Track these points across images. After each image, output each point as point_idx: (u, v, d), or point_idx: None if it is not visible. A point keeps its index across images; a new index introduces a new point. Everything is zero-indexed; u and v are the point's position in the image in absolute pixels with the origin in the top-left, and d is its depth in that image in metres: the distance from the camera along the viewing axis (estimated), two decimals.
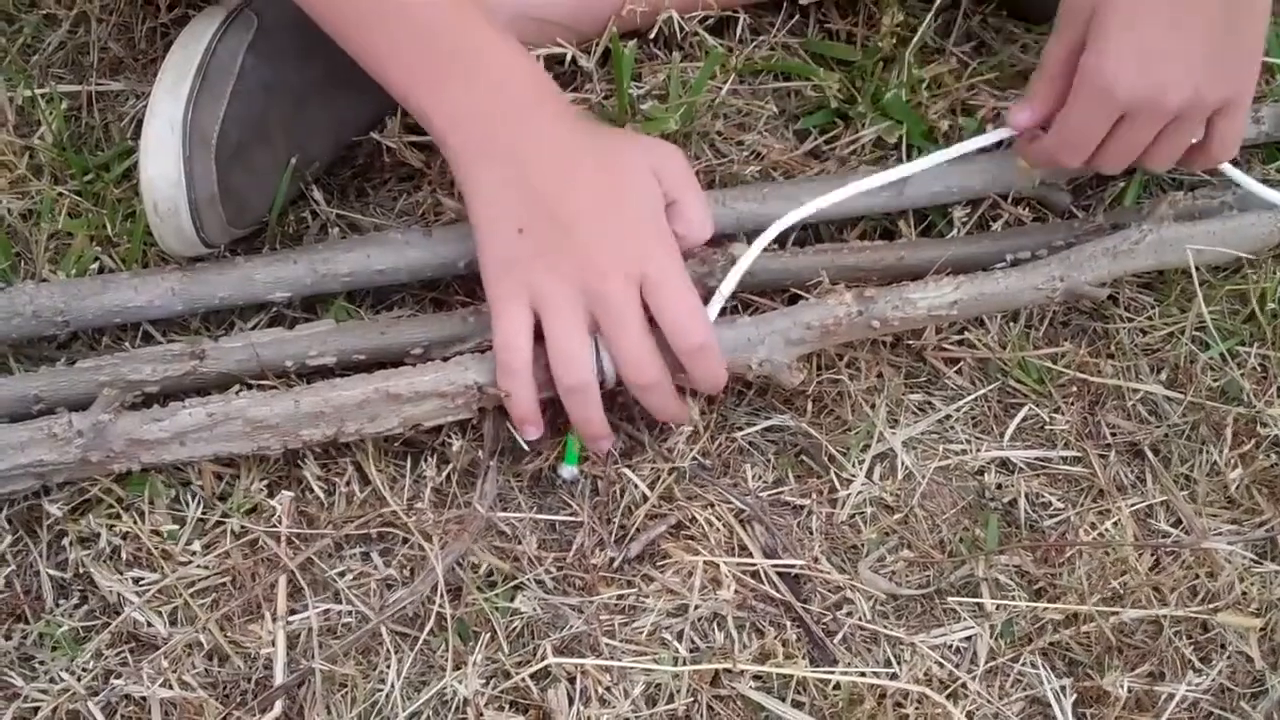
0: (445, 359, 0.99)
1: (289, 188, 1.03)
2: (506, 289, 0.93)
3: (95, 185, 1.09)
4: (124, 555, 0.95)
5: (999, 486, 1.02)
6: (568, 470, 0.99)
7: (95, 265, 1.05)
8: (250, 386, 1.00)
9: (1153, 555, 0.99)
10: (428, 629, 0.94)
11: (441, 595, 0.94)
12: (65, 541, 0.96)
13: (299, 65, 1.03)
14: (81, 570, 0.95)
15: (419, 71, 0.92)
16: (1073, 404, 1.05)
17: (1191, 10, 0.92)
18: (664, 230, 0.94)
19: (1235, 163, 1.06)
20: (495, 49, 0.93)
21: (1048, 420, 1.05)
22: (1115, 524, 1.00)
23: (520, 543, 0.98)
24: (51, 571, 0.95)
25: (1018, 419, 1.05)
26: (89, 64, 1.17)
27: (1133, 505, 1.01)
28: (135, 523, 0.96)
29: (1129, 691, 0.94)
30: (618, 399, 1.01)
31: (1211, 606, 0.97)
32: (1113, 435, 1.04)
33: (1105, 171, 1.02)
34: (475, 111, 0.92)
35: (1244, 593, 0.98)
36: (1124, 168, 1.01)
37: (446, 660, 0.93)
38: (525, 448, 0.99)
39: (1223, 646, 0.97)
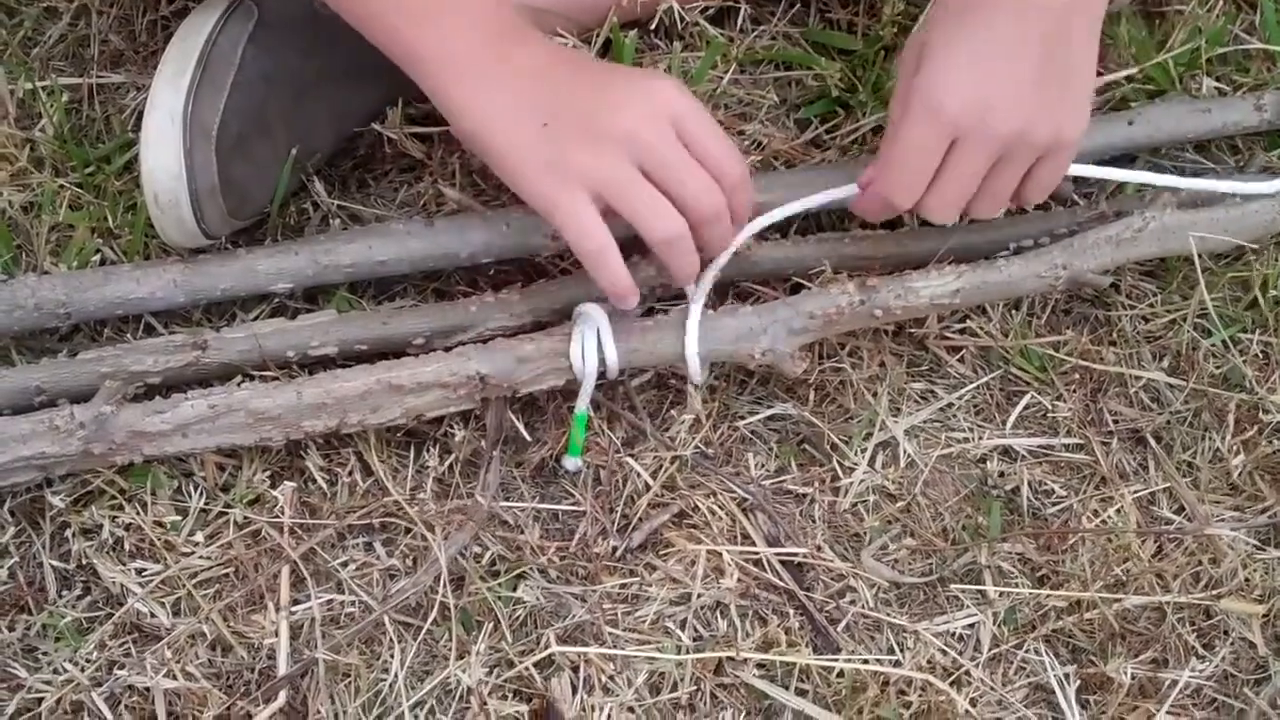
0: (448, 349, 0.99)
1: (290, 179, 1.03)
2: (557, 187, 0.90)
3: (96, 177, 1.09)
4: (127, 546, 0.95)
5: (1001, 474, 1.02)
6: (571, 462, 0.99)
7: (97, 257, 1.05)
8: (252, 377, 1.00)
9: (1155, 542, 0.99)
10: (431, 618, 0.94)
11: (444, 585, 0.94)
12: (68, 533, 0.96)
13: (299, 56, 1.03)
14: (84, 561, 0.95)
15: (402, 31, 0.91)
16: (1075, 391, 1.05)
17: (1021, 46, 0.89)
18: (664, 74, 0.95)
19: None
20: None
21: (1050, 408, 1.05)
22: (1118, 511, 1.00)
23: (523, 532, 0.98)
24: (54, 563, 0.95)
25: (1020, 407, 1.05)
26: (90, 56, 1.17)
27: (1135, 492, 1.01)
28: (138, 514, 0.96)
29: (1132, 678, 0.94)
30: (619, 388, 1.02)
31: (1214, 593, 0.97)
32: (1115, 422, 1.04)
33: (933, 217, 0.96)
34: (463, 47, 0.91)
35: (1247, 579, 0.98)
36: (951, 213, 0.96)
37: (450, 650, 0.93)
38: (524, 437, 0.99)
39: (1226, 633, 0.97)
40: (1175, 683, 0.94)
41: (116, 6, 1.19)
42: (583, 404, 0.98)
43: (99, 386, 0.96)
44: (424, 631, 0.94)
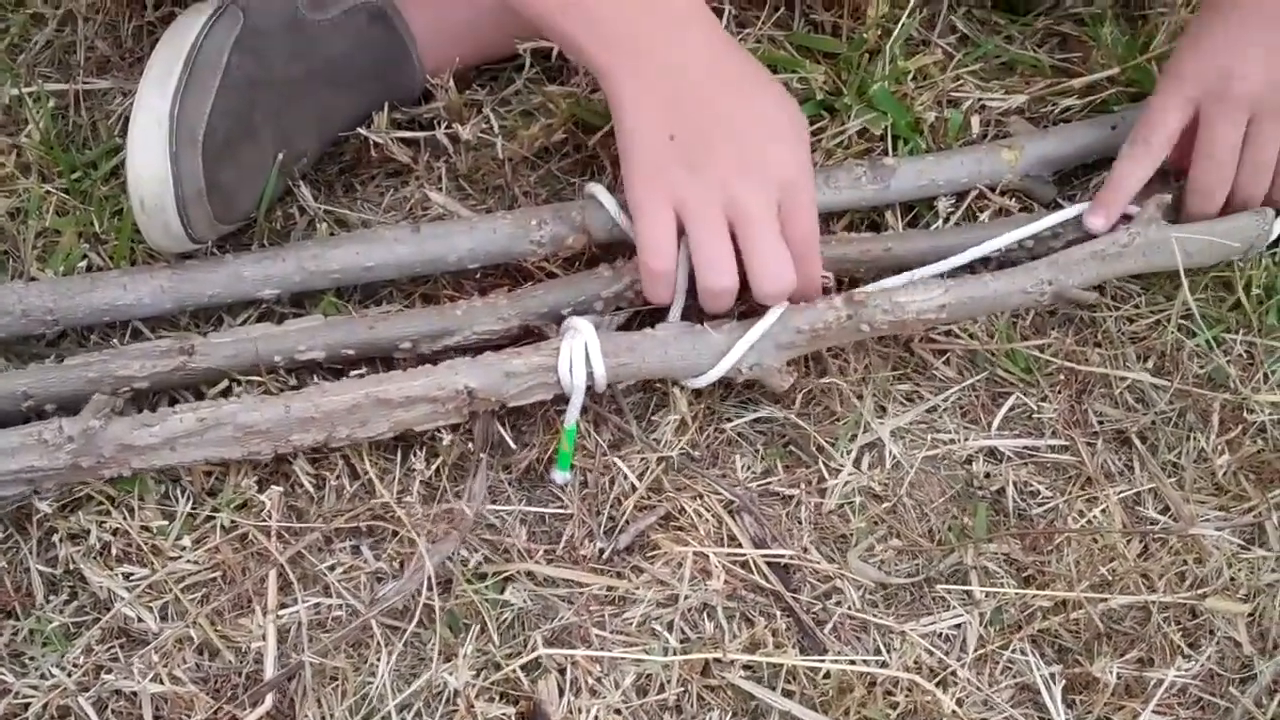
0: (435, 359, 0.99)
1: (277, 183, 1.03)
2: (654, 194, 0.94)
3: (83, 183, 1.09)
4: (114, 551, 0.95)
5: (987, 475, 1.02)
6: (560, 475, 0.99)
7: (84, 263, 1.05)
8: (239, 383, 1.00)
9: (1141, 542, 0.99)
10: (417, 621, 0.94)
11: (431, 588, 0.94)
12: (55, 538, 0.96)
13: (285, 60, 1.03)
14: (72, 566, 0.95)
15: None
16: (1060, 393, 1.06)
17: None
18: (804, 145, 0.97)
19: None
20: None
21: (1035, 409, 1.05)
22: (1103, 511, 1.00)
23: (510, 535, 0.98)
24: (41, 568, 0.95)
25: (1005, 408, 1.05)
26: (76, 63, 1.17)
27: (1120, 493, 1.01)
28: (125, 519, 0.96)
29: (1118, 677, 0.94)
30: (605, 394, 1.02)
31: (1200, 592, 0.97)
32: (1100, 423, 1.04)
33: (1249, 198, 1.06)
34: (628, 31, 0.93)
35: (1232, 578, 0.98)
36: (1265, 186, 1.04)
37: (436, 653, 0.93)
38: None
39: (1211, 632, 0.97)
40: (1161, 682, 0.94)
41: (102, 13, 1.19)
42: (572, 418, 0.98)
43: (86, 392, 0.96)
44: (410, 635, 0.94)
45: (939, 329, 1.07)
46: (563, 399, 0.98)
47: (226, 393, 1.00)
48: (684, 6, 0.94)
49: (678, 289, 0.98)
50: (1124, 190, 1.04)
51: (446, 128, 1.11)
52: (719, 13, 1.14)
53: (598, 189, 1.01)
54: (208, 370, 0.99)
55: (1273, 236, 1.07)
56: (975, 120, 1.15)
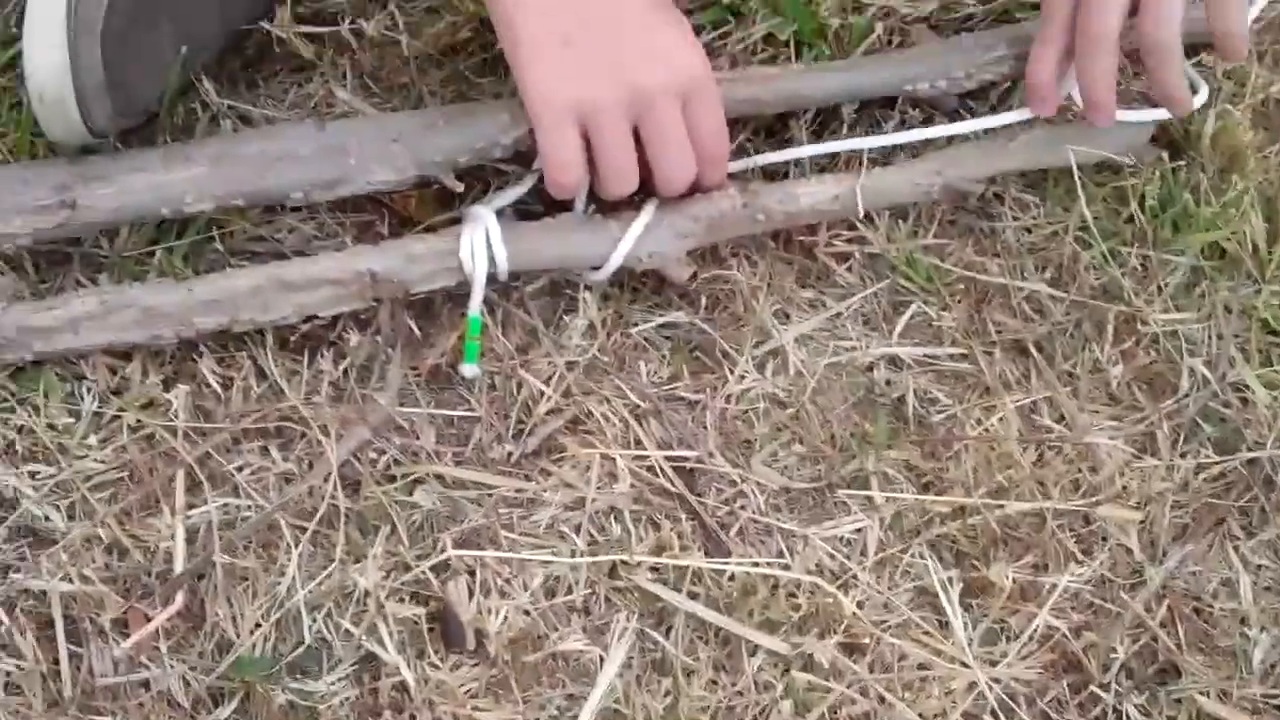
0: (330, 210, 1.02)
1: (179, 77, 1.02)
2: (555, 107, 0.93)
3: None
4: (19, 449, 0.95)
5: (888, 383, 1.04)
6: (469, 369, 1.00)
7: None
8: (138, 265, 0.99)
9: (1037, 450, 1.02)
10: (322, 518, 0.94)
11: (336, 486, 0.94)
12: None
13: None
14: None
15: None
16: (960, 302, 1.07)
17: None
18: (699, 43, 0.97)
19: None
20: None
21: (935, 318, 1.07)
22: (1000, 420, 1.03)
23: (419, 438, 0.98)
24: None
25: (906, 316, 1.07)
26: None
27: (1017, 401, 1.04)
28: (30, 416, 0.95)
29: (1013, 582, 0.96)
30: (512, 294, 1.02)
31: (1093, 500, 1.00)
32: (998, 333, 1.06)
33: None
34: None
35: (1124, 487, 1.01)
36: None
37: (344, 553, 0.94)
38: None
39: (1104, 539, 1.00)
40: (1055, 587, 0.97)
41: None
42: (475, 305, 0.98)
43: None
44: (319, 535, 0.94)
45: (842, 234, 1.08)
46: (466, 296, 0.99)
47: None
48: None
49: (580, 188, 0.99)
50: (1042, 77, 1.04)
51: (350, 23, 1.09)
52: None
53: (481, 212, 1.00)
54: (92, 224, 0.98)
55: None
56: (880, 26, 1.15)
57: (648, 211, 1.01)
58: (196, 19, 1.03)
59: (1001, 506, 0.99)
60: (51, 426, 0.95)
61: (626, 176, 0.96)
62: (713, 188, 1.01)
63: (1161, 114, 1.07)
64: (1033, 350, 1.06)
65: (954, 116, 1.12)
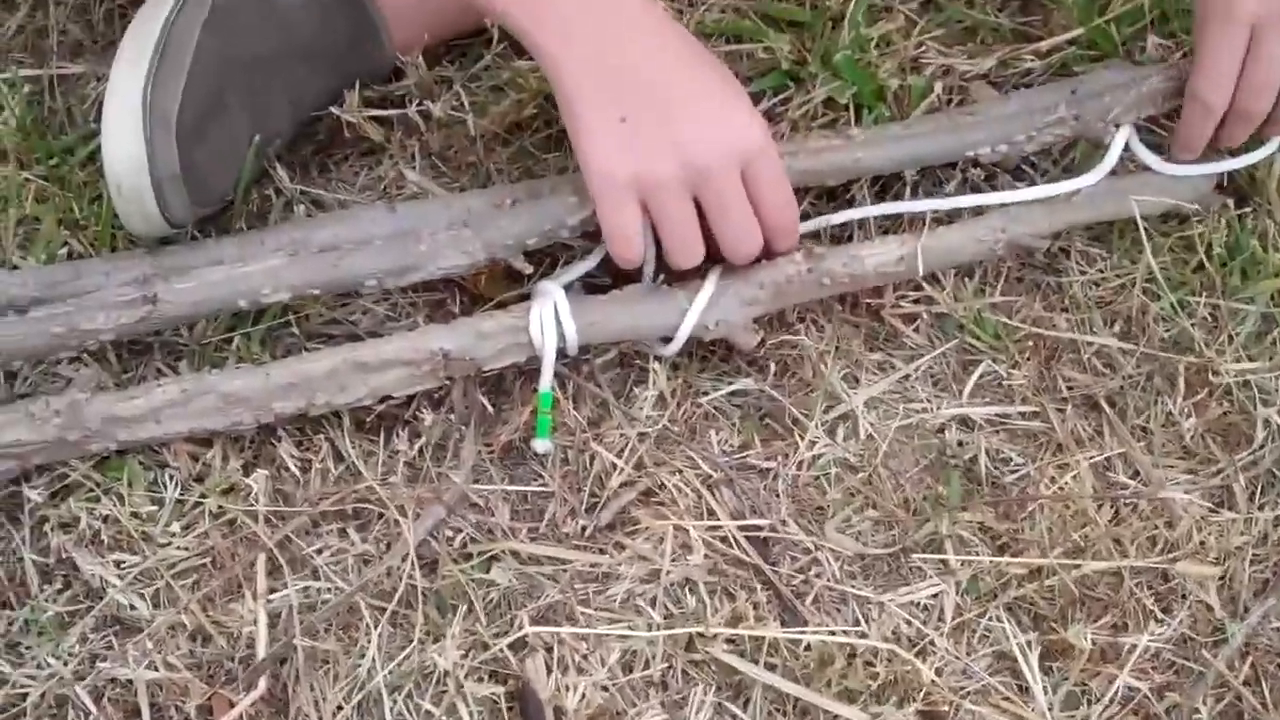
0: (403, 291, 1.04)
1: (252, 166, 1.04)
2: (614, 183, 0.94)
3: (61, 169, 1.09)
4: (105, 539, 0.97)
5: (960, 443, 1.04)
6: (540, 444, 1.01)
7: (64, 250, 1.06)
8: (212, 347, 1.01)
9: (1112, 507, 1.01)
10: (403, 601, 0.96)
11: (413, 566, 0.96)
12: (46, 527, 0.97)
13: (255, 39, 1.04)
14: (64, 555, 0.96)
15: None
16: (1029, 359, 1.07)
17: None
18: (756, 112, 0.97)
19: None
20: None
21: (1005, 376, 1.07)
22: (1074, 477, 1.02)
23: (493, 514, 0.99)
24: (34, 557, 0.96)
25: (975, 375, 1.07)
26: (49, 47, 1.17)
27: (1091, 458, 1.03)
28: (115, 506, 0.97)
29: (1093, 643, 0.96)
30: (582, 367, 1.03)
31: (1171, 556, 0.99)
32: (1069, 389, 1.06)
33: (1250, 111, 1.03)
34: (564, 11, 0.93)
35: (1202, 542, 1.00)
36: (1265, 104, 1.02)
37: (424, 633, 0.95)
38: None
39: (1183, 596, 0.99)
40: (1135, 647, 0.96)
41: None
42: (546, 380, 1.00)
43: (52, 346, 0.97)
44: (398, 615, 0.96)
45: (908, 295, 1.09)
46: (537, 372, 1.00)
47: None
48: None
49: (646, 260, 1.00)
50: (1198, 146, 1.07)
51: (418, 105, 1.12)
52: None
53: (550, 287, 1.02)
54: (174, 318, 1.00)
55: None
56: (939, 86, 1.15)
57: (711, 281, 1.01)
58: (268, 108, 1.05)
59: (1078, 566, 0.98)
60: (136, 515, 0.97)
61: (691, 248, 0.97)
62: (784, 254, 1.02)
63: (1232, 164, 1.07)
64: (1104, 405, 1.05)
65: (1017, 173, 1.12)
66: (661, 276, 1.03)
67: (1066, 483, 1.02)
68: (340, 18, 1.08)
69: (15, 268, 1.04)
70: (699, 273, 1.01)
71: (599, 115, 0.94)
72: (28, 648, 0.94)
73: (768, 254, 1.01)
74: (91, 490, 0.98)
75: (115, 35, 1.16)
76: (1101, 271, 1.11)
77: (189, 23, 1.01)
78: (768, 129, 0.97)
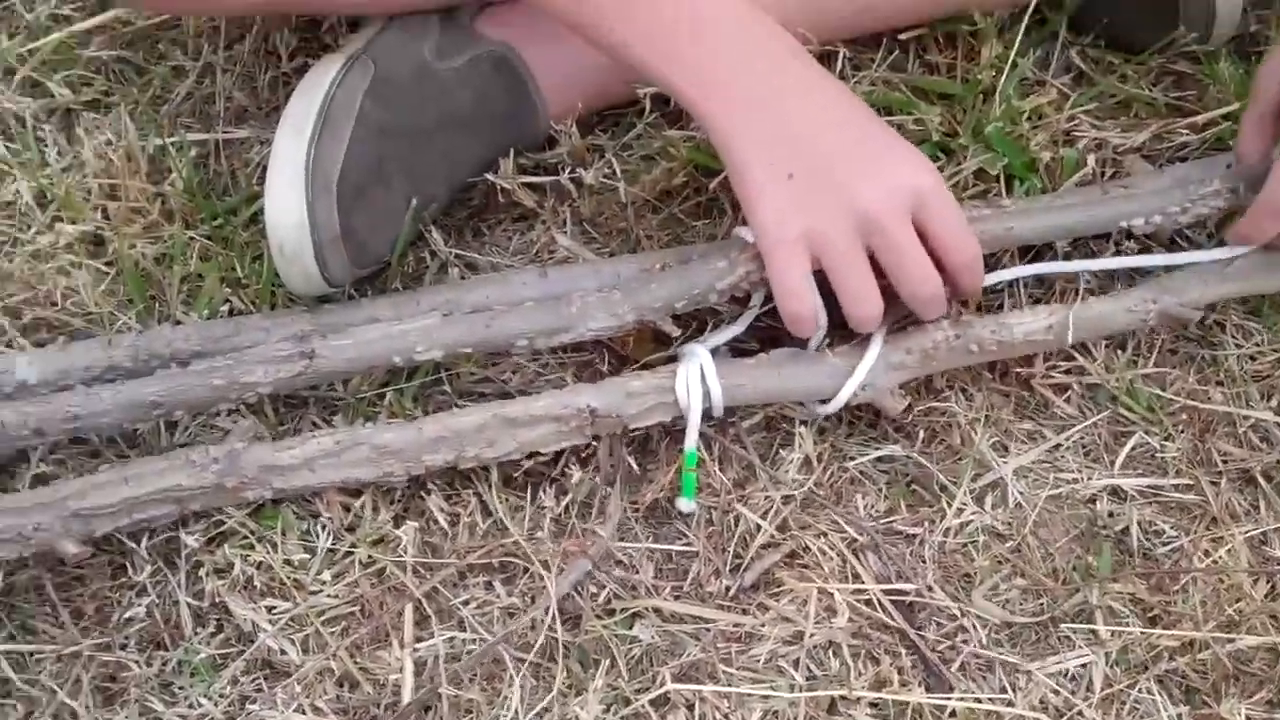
0: (552, 351, 1.05)
1: (409, 229, 1.06)
2: (786, 238, 0.95)
3: (224, 229, 1.13)
4: (258, 585, 0.98)
5: (1111, 514, 1.03)
6: (685, 504, 1.01)
7: (225, 306, 1.08)
8: (367, 402, 1.03)
9: (1268, 582, 0.99)
10: (545, 653, 0.96)
11: (556, 620, 0.96)
12: (202, 572, 0.99)
13: (415, 108, 1.06)
14: (217, 599, 0.98)
15: (658, 43, 0.95)
16: (1183, 431, 1.06)
17: None
18: (922, 155, 0.97)
19: None
20: (719, 2, 0.96)
21: (1159, 448, 1.05)
22: (1229, 551, 1.00)
23: (638, 572, 1.00)
24: (189, 600, 0.98)
25: (1128, 447, 1.05)
26: (215, 113, 1.21)
27: (1246, 532, 1.01)
28: (268, 553, 0.99)
29: (1247, 719, 0.94)
30: (728, 429, 1.04)
31: None
32: (1224, 462, 1.05)
33: None
34: (729, 78, 0.95)
35: None
36: None
37: (566, 686, 0.95)
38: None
39: None
40: None
41: (240, 65, 1.24)
42: (691, 440, 1.00)
43: (212, 399, 0.99)
44: (540, 667, 0.96)
45: (1059, 365, 1.08)
46: (683, 432, 1.01)
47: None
48: (782, 50, 0.96)
49: (819, 323, 1.00)
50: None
51: (570, 172, 1.14)
52: (833, 55, 1.15)
53: (697, 349, 1.02)
54: (330, 373, 1.02)
55: None
56: (1091, 159, 1.15)
57: (877, 342, 1.02)
58: (426, 174, 1.08)
59: (1232, 640, 0.96)
60: (288, 563, 0.99)
61: (868, 299, 0.96)
62: (970, 296, 1.02)
63: None
64: (1260, 480, 1.03)
65: (1171, 246, 1.11)
66: (826, 341, 1.03)
67: (1221, 556, 1.00)
68: (498, 89, 1.11)
69: (179, 322, 1.07)
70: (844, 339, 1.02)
71: (767, 173, 0.94)
72: (180, 688, 0.96)
73: (955, 293, 1.00)
74: (246, 537, 1.00)
75: (279, 102, 1.20)
76: (1258, 345, 1.09)
77: (351, 91, 1.04)
78: (936, 170, 0.97)
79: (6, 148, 1.21)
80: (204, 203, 1.14)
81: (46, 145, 1.21)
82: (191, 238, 1.13)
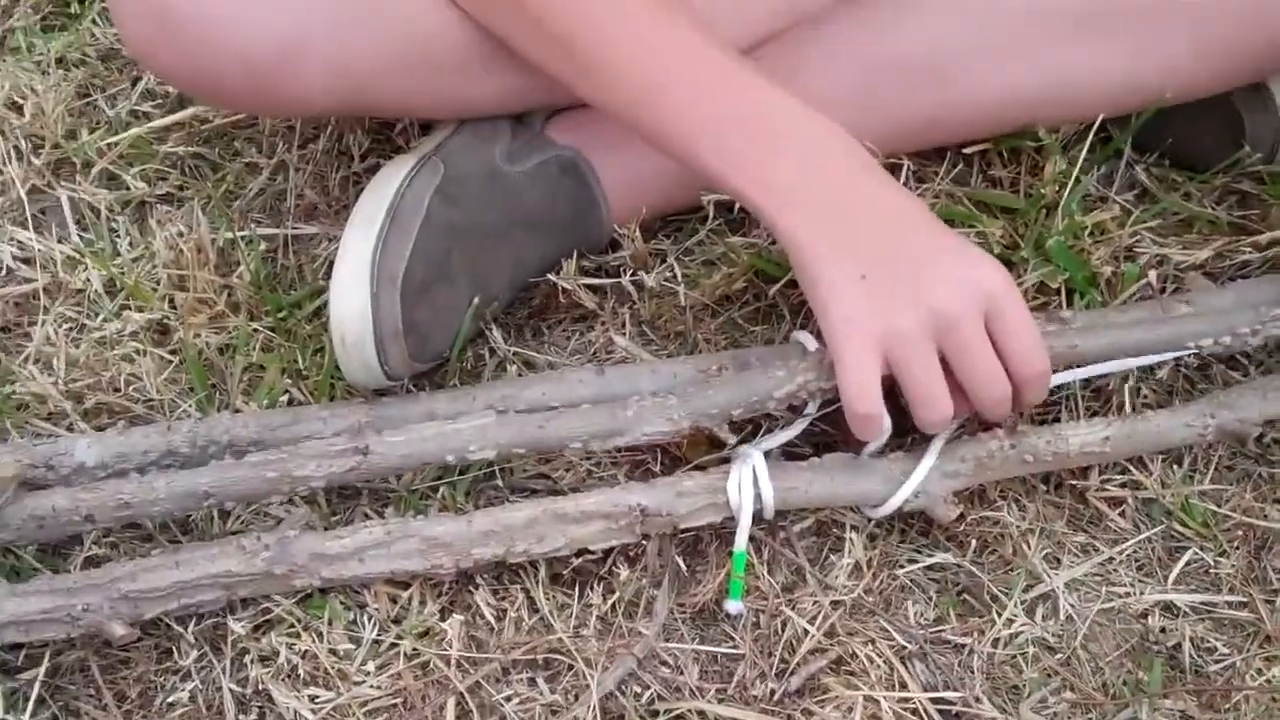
0: (606, 453, 1.05)
1: (470, 326, 1.08)
2: (858, 340, 0.94)
3: (288, 321, 1.15)
4: (302, 674, 0.99)
5: (1163, 630, 1.01)
6: (733, 605, 1.01)
7: (285, 397, 1.10)
8: (423, 500, 1.04)
9: None
10: None
11: (597, 718, 0.96)
12: (247, 659, 0.99)
13: (482, 209, 1.08)
14: (261, 687, 0.99)
15: (729, 156, 0.96)
16: (1238, 548, 1.05)
17: None
18: (993, 257, 0.97)
19: None
20: (791, 114, 0.97)
21: (1213, 564, 1.04)
22: None
23: (682, 673, 0.99)
24: (233, 687, 0.99)
25: (1182, 562, 1.04)
26: (286, 209, 1.24)
27: None
28: (314, 642, 0.99)
29: None
30: (778, 533, 1.04)
31: None
32: (1279, 580, 1.03)
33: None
34: (804, 191, 0.96)
35: None
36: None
37: None
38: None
39: None
40: None
41: (312, 163, 1.27)
42: (741, 542, 1.00)
43: (264, 491, 1.00)
44: None
45: (1114, 479, 1.07)
46: (733, 534, 1.01)
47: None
48: (856, 163, 0.97)
49: (883, 426, 0.99)
50: None
51: (632, 275, 1.15)
52: (898, 167, 1.16)
53: (750, 451, 1.03)
54: (382, 469, 1.02)
55: None
56: (1153, 274, 1.15)
57: (932, 451, 1.02)
58: (490, 273, 1.09)
59: None
60: (334, 652, 0.99)
61: (938, 401, 0.95)
62: (1030, 408, 1.01)
63: None
64: None
65: (1231, 362, 1.11)
66: (885, 446, 1.04)
67: (1274, 675, 0.99)
68: (564, 192, 1.13)
69: (238, 410, 1.08)
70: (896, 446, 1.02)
71: (840, 273, 0.94)
72: None
73: (1016, 403, 0.99)
74: (293, 626, 1.00)
75: (349, 200, 1.23)
76: None
77: (420, 190, 1.06)
78: (1008, 273, 0.96)
79: (80, 237, 1.24)
80: (270, 296, 1.16)
81: (119, 235, 1.24)
82: (255, 329, 1.15)
